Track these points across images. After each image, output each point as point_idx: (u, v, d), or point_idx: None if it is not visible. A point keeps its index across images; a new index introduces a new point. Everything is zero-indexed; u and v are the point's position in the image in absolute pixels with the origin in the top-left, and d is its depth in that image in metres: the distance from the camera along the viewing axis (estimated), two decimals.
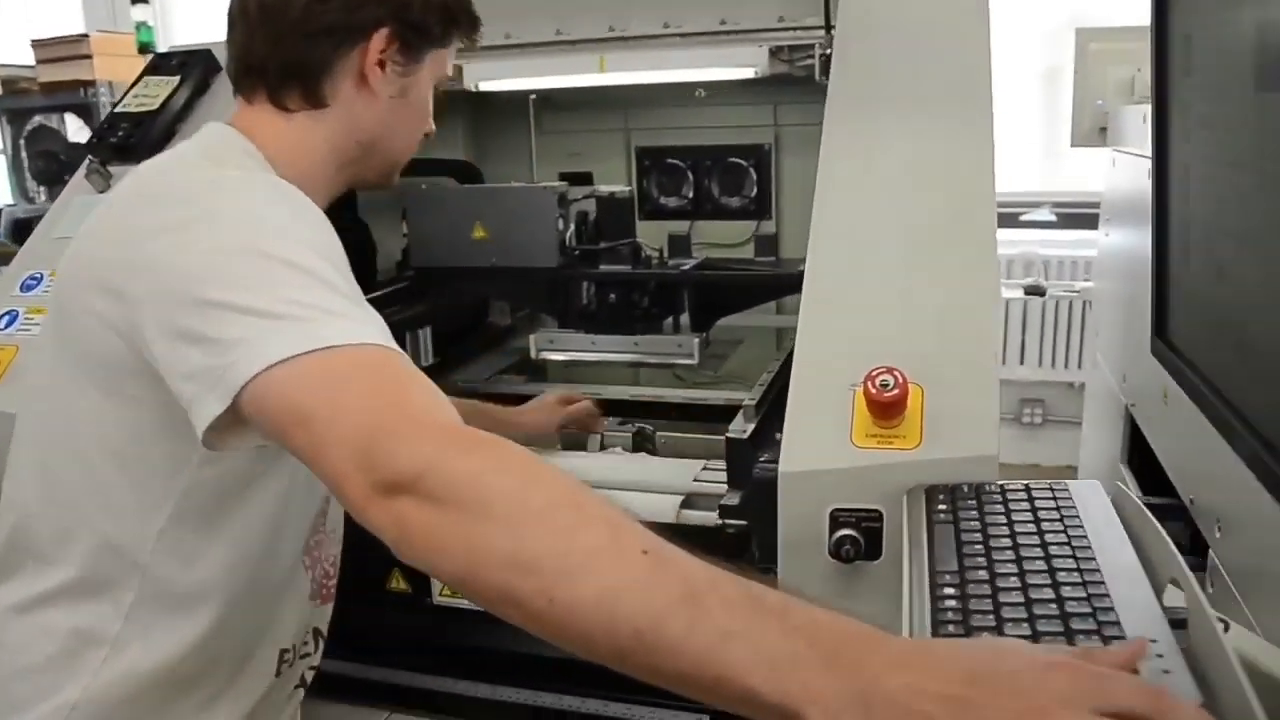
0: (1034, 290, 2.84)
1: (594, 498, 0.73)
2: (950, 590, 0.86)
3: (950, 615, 0.82)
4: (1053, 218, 4.13)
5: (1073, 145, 2.58)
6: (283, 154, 1.11)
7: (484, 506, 0.71)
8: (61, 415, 1.03)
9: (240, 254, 0.89)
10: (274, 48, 1.10)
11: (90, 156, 1.67)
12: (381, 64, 1.12)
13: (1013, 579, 0.86)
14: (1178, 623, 0.78)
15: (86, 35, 3.98)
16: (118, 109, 1.73)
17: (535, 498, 0.72)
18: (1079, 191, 4.03)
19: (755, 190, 2.26)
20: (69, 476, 1.03)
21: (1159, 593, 0.85)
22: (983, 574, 0.88)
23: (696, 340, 2.02)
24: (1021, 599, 0.83)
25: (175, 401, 0.90)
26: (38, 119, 4.32)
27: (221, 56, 1.80)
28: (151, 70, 1.78)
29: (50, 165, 4.32)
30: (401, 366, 0.85)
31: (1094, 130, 2.51)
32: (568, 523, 0.70)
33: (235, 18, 1.14)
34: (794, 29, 1.82)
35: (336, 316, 0.85)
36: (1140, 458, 2.10)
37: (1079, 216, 4.05)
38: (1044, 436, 4.09)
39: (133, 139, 1.66)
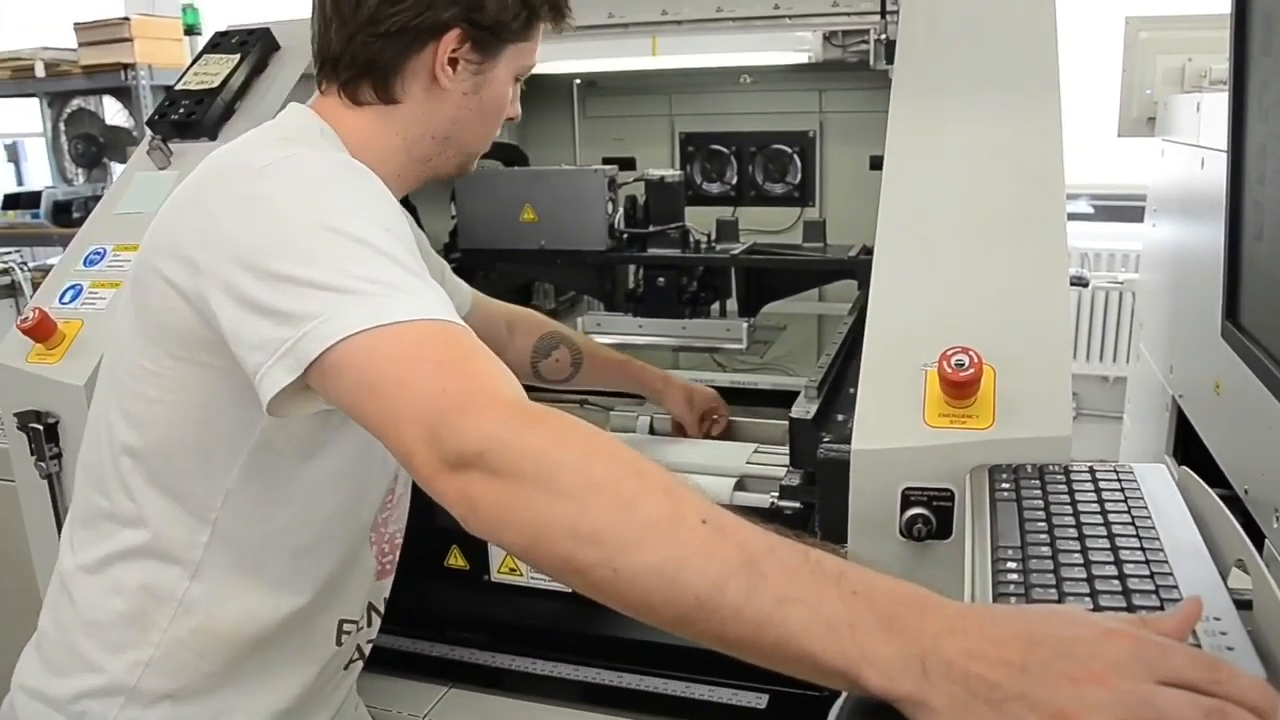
0: (1077, 281, 2.81)
1: (654, 468, 0.74)
2: (1012, 565, 0.86)
3: (1012, 589, 0.82)
4: (1090, 210, 4.10)
5: (1119, 135, 2.55)
6: (356, 141, 1.12)
7: (548, 480, 0.72)
8: (136, 380, 1.04)
9: (309, 228, 0.90)
10: (346, 45, 1.10)
11: (151, 133, 1.69)
12: (453, 62, 1.12)
13: (1075, 555, 0.86)
14: (1243, 604, 0.78)
15: (128, 18, 4.00)
16: (178, 86, 1.74)
17: (597, 470, 0.73)
18: (1114, 185, 4.01)
19: (799, 177, 2.26)
20: (141, 440, 1.05)
21: (1224, 575, 0.84)
22: (1045, 549, 0.87)
23: (745, 325, 2.02)
24: (1084, 574, 0.83)
25: (241, 368, 0.91)
26: (77, 102, 4.35)
27: (281, 35, 1.83)
28: (211, 48, 1.80)
29: (89, 148, 4.36)
30: (467, 341, 0.86)
31: (1141, 120, 2.48)
32: (629, 494, 0.71)
33: (314, 6, 1.14)
34: (848, 14, 1.81)
35: (403, 292, 0.87)
36: (1185, 449, 2.09)
37: (1113, 209, 4.03)
38: (1078, 430, 4.05)
39: (193, 116, 1.67)
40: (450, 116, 1.15)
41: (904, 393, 1.13)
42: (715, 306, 2.10)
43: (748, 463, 1.54)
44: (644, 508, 0.71)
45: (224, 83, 1.70)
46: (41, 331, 1.49)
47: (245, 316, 0.90)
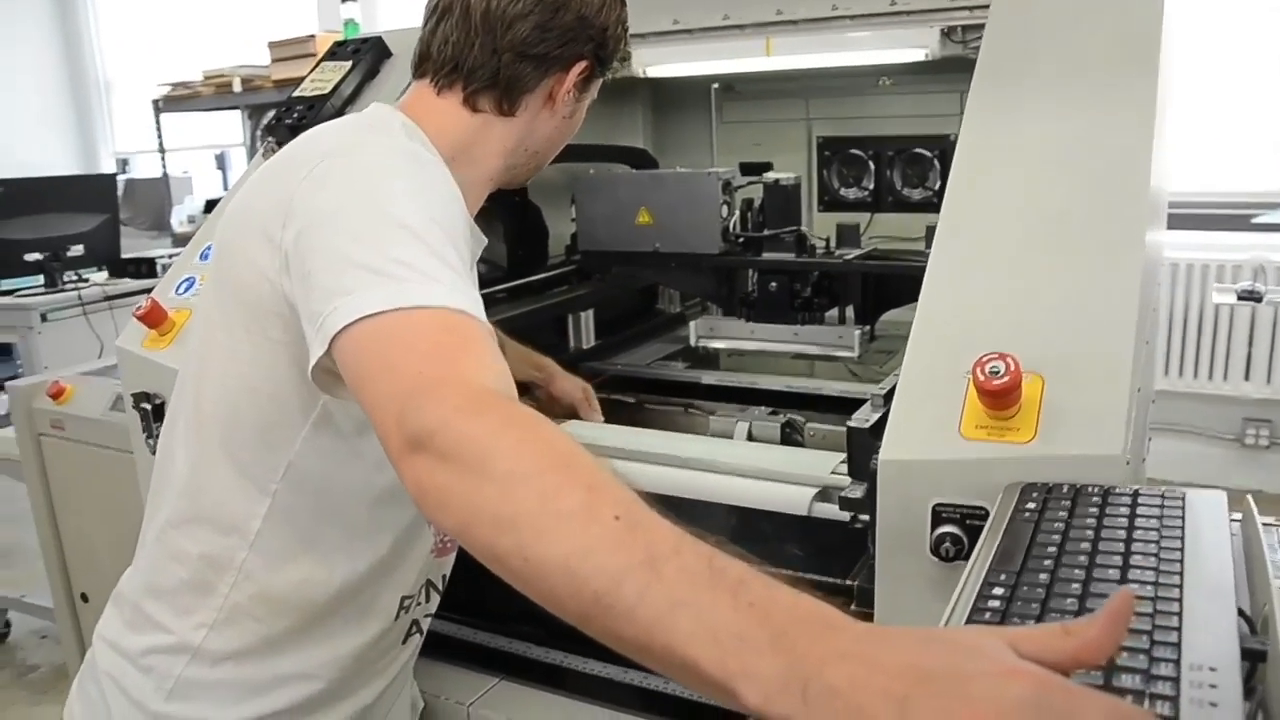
0: (1249, 295, 2.57)
1: (587, 463, 0.73)
2: (999, 590, 0.79)
3: (988, 616, 0.75)
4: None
5: None
6: (456, 142, 1.18)
7: (481, 465, 0.72)
8: (213, 354, 1.11)
9: (364, 207, 0.96)
10: (489, 59, 1.18)
11: (268, 137, 1.78)
12: (568, 90, 1.23)
13: (1074, 585, 0.78)
14: (1257, 655, 0.70)
15: (313, 35, 4.26)
16: (295, 93, 1.83)
17: (529, 459, 0.72)
18: None
19: (939, 182, 2.16)
20: (213, 411, 1.11)
21: (1253, 621, 0.75)
22: (1043, 575, 0.80)
23: (857, 332, 1.96)
24: (1076, 606, 0.75)
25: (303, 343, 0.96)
26: (272, 114, 4.65)
27: (393, 44, 1.89)
28: (329, 56, 1.88)
29: None
30: (472, 333, 0.87)
31: None
32: (551, 485, 0.70)
33: (451, 14, 1.20)
34: (966, 8, 1.72)
35: (429, 279, 0.89)
36: None
37: None
38: (1270, 460, 3.73)
39: (304, 120, 1.75)
40: (547, 135, 1.27)
41: (942, 401, 1.06)
42: (833, 314, 2.04)
43: (832, 473, 1.48)
44: (562, 499, 0.69)
45: (335, 89, 1.77)
46: (153, 319, 1.60)
47: (305, 290, 0.95)
